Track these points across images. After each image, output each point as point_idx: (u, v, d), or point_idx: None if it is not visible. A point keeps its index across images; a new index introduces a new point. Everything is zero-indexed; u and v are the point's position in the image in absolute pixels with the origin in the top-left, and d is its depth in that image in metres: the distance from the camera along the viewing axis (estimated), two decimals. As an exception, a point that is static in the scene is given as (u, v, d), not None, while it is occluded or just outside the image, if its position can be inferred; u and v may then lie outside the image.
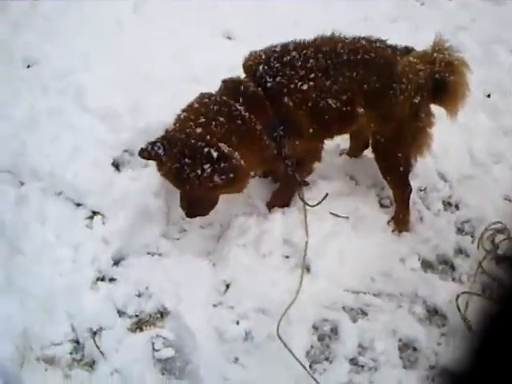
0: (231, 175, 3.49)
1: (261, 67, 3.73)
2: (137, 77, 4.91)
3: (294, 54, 3.73)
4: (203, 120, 3.55)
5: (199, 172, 3.45)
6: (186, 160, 3.47)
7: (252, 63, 3.80)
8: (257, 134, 3.66)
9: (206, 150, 3.44)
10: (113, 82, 4.90)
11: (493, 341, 1.59)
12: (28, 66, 5.18)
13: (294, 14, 5.79)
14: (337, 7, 6.00)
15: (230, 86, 3.75)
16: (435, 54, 3.72)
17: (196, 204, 3.74)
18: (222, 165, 3.44)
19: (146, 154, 3.55)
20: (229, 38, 5.70)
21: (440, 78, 3.73)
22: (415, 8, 6.31)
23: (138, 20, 5.75)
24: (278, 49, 3.80)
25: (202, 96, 3.72)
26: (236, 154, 3.50)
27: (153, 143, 3.53)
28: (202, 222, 4.14)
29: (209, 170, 3.44)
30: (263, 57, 3.78)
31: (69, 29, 5.44)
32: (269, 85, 3.69)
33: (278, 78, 3.68)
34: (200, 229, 4.13)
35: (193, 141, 3.48)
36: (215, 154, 3.42)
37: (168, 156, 3.52)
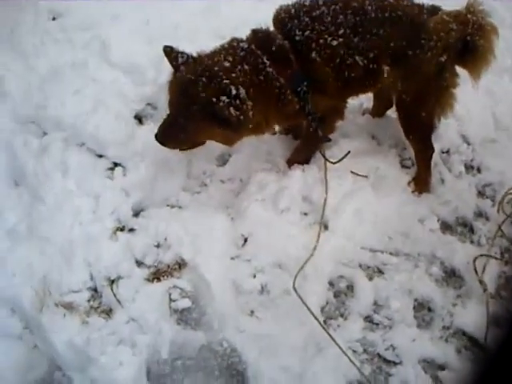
0: (242, 118, 3.46)
1: (290, 21, 3.69)
2: (163, 31, 4.89)
3: (323, 9, 3.69)
4: (231, 61, 3.53)
5: (217, 102, 3.41)
6: (204, 79, 3.45)
7: (282, 16, 3.76)
8: (279, 88, 3.62)
9: (226, 81, 3.42)
10: (138, 36, 4.89)
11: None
12: (53, 18, 5.17)
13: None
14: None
15: (259, 37, 3.70)
16: (469, 16, 3.66)
17: (176, 130, 3.65)
18: (238, 102, 3.41)
19: (170, 50, 3.61)
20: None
21: (470, 41, 3.68)
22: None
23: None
24: (307, 3, 3.76)
25: (233, 40, 3.70)
26: (250, 105, 3.47)
27: (182, 52, 3.59)
28: (222, 176, 4.17)
29: (227, 101, 3.40)
30: (292, 11, 3.74)
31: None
32: (297, 38, 3.64)
33: (307, 33, 3.64)
34: (220, 183, 4.15)
35: (217, 69, 3.47)
36: (234, 91, 3.40)
37: (187, 68, 3.55)
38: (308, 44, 3.65)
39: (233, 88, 3.40)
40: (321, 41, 3.64)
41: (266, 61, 3.58)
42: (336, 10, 3.69)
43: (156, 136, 3.70)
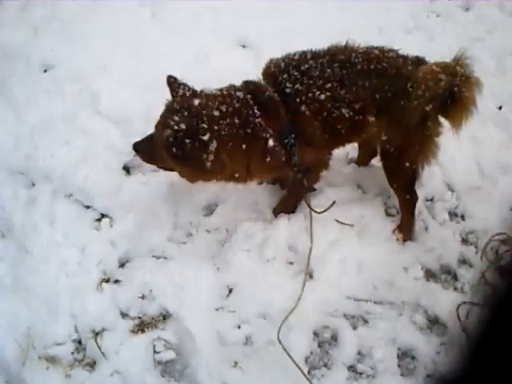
0: (184, 156, 3.51)
1: (280, 74, 3.76)
2: (151, 82, 4.92)
3: (311, 62, 3.75)
4: (223, 111, 3.60)
5: (173, 124, 3.49)
6: (182, 112, 3.54)
7: (272, 70, 3.83)
8: (267, 139, 3.67)
9: (202, 126, 3.50)
10: (128, 87, 4.97)
11: (486, 348, 1.61)
12: (45, 71, 5.25)
13: (310, 21, 5.81)
14: (352, 15, 6.00)
15: (250, 88, 3.76)
16: (457, 68, 3.73)
17: (148, 146, 3.77)
18: (189, 140, 3.47)
19: (173, 81, 3.71)
20: (243, 46, 5.73)
21: (457, 92, 3.74)
22: (431, 19, 6.29)
23: (156, 26, 5.80)
24: (296, 57, 3.82)
25: (231, 88, 3.77)
26: (210, 151, 3.53)
27: (184, 83, 3.70)
28: (208, 226, 4.20)
29: (180, 130, 3.48)
30: (282, 64, 3.81)
31: (86, 34, 5.50)
32: (288, 91, 3.70)
33: (296, 86, 3.70)
34: (206, 233, 4.18)
35: (203, 112, 3.55)
36: (206, 137, 3.49)
37: (180, 98, 3.64)
38: (297, 97, 3.70)
39: (207, 134, 3.48)
40: (309, 94, 3.69)
41: (257, 112, 3.64)
42: (323, 63, 3.75)
43: (134, 145, 3.86)
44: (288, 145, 3.73)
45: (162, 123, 3.61)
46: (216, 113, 3.56)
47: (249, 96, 3.69)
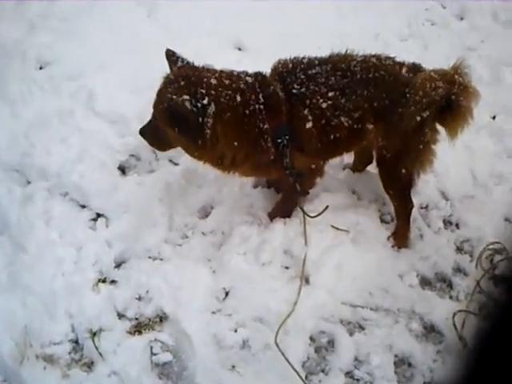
0: (196, 122, 3.53)
1: (288, 75, 3.78)
2: (147, 82, 4.89)
3: (318, 69, 3.78)
4: (225, 83, 3.63)
5: (177, 96, 3.51)
6: (181, 82, 3.57)
7: (280, 70, 3.84)
8: (260, 132, 3.69)
9: (203, 91, 3.53)
10: (124, 86, 4.96)
11: (484, 358, 1.62)
12: (40, 68, 5.22)
13: (307, 25, 5.83)
14: (349, 20, 6.05)
15: (259, 79, 3.78)
16: (456, 76, 3.75)
17: (153, 128, 3.80)
18: (200, 107, 3.50)
19: (171, 54, 3.78)
20: (239, 48, 5.73)
21: (454, 100, 3.76)
22: (426, 27, 6.32)
23: (152, 25, 5.78)
24: (305, 61, 3.85)
25: (242, 72, 3.80)
26: (212, 122, 3.55)
27: (183, 57, 3.76)
28: (204, 229, 4.19)
29: (187, 98, 3.49)
30: (290, 65, 3.83)
31: (83, 32, 5.49)
32: (294, 91, 3.73)
33: (303, 89, 3.73)
34: (202, 236, 4.17)
35: (205, 80, 3.58)
36: (205, 101, 3.51)
37: (177, 71, 3.68)
38: (303, 100, 3.72)
39: (205, 98, 3.51)
40: (314, 100, 3.72)
41: (261, 99, 3.66)
42: (328, 71, 3.78)
43: (139, 130, 3.89)
44: (280, 145, 3.73)
45: (159, 95, 3.65)
46: (215, 81, 3.59)
47: (257, 84, 3.71)
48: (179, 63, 3.72)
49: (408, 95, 3.74)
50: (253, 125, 3.67)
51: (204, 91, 3.53)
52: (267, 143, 3.72)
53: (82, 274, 3.82)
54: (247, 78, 3.72)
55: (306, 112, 3.72)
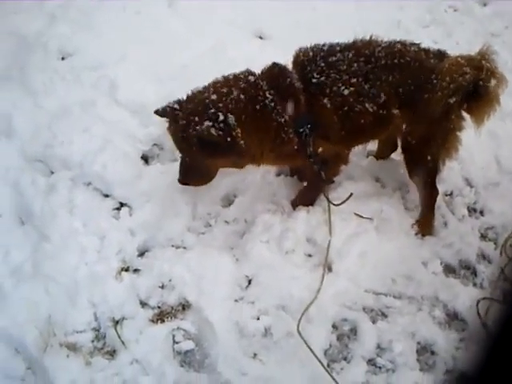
0: (233, 147, 3.58)
1: (308, 64, 3.78)
2: (169, 72, 4.96)
3: (339, 55, 3.78)
4: (225, 90, 3.66)
5: (199, 128, 3.56)
6: (193, 118, 3.59)
7: (301, 58, 3.84)
8: (280, 124, 3.70)
9: (212, 110, 3.56)
10: (146, 76, 4.95)
11: (506, 344, 1.61)
12: (62, 58, 5.22)
13: (327, 13, 5.81)
14: (370, 8, 5.99)
15: (273, 71, 3.81)
16: (483, 62, 3.72)
17: (192, 169, 3.84)
18: (222, 125, 3.53)
19: (160, 111, 3.77)
20: (261, 37, 5.72)
21: (482, 86, 3.73)
22: (448, 14, 6.28)
23: (173, 15, 5.77)
24: (325, 48, 3.85)
25: (243, 72, 3.82)
26: (239, 130, 3.58)
27: (170, 103, 3.73)
28: (227, 217, 4.19)
29: (209, 124, 3.53)
30: (311, 54, 3.83)
31: (104, 23, 5.49)
32: (314, 81, 3.73)
33: (322, 78, 3.73)
34: (225, 224, 4.18)
35: (206, 102, 3.61)
36: (221, 117, 3.53)
37: (180, 113, 3.68)
38: (320, 89, 3.73)
39: (220, 114, 3.54)
40: (334, 88, 3.72)
41: (268, 95, 3.67)
42: (350, 57, 3.77)
43: (178, 180, 3.90)
44: (303, 134, 3.72)
45: (179, 136, 3.71)
46: (214, 96, 3.63)
47: (265, 82, 3.73)
48: (174, 106, 3.73)
49: (435, 81, 3.72)
50: (269, 118, 3.69)
51: (214, 109, 3.57)
52: (289, 134, 3.73)
53: (105, 262, 3.83)
54: (249, 77, 3.75)
55: (325, 100, 3.71)
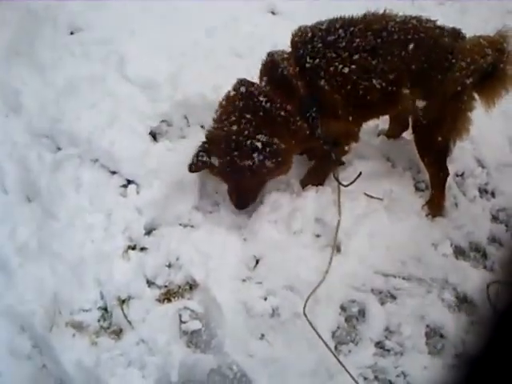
0: (279, 158, 3.67)
1: (303, 46, 3.75)
2: (180, 48, 4.90)
3: (340, 32, 3.73)
4: (234, 118, 3.70)
5: (250, 162, 3.63)
6: (235, 153, 3.65)
7: (296, 40, 3.81)
8: (287, 116, 3.71)
9: (248, 142, 3.62)
10: (156, 52, 4.88)
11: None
12: (71, 33, 5.16)
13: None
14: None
15: (268, 67, 3.83)
16: (505, 45, 3.66)
17: (247, 193, 3.91)
18: (268, 149, 3.61)
19: (194, 167, 3.83)
20: (273, 12, 5.65)
21: (501, 68, 3.69)
22: (463, -10, 6.18)
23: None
24: (324, 26, 3.78)
25: (234, 87, 3.84)
26: (274, 139, 3.64)
27: (196, 154, 3.78)
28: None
29: (259, 157, 3.62)
30: (309, 34, 3.78)
31: (114, -1, 5.42)
32: (307, 65, 3.71)
33: (316, 61, 3.69)
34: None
35: (233, 137, 3.65)
36: (259, 144, 3.60)
37: (215, 155, 3.74)
38: (317, 72, 3.71)
39: (254, 141, 3.65)
40: (331, 69, 3.69)
41: (266, 95, 3.71)
42: (354, 32, 3.71)
43: (238, 207, 4.01)
44: (310, 118, 3.70)
45: (244, 162, 3.72)
46: (225, 116, 3.77)
47: (263, 74, 3.84)
48: (205, 158, 3.81)
49: (453, 60, 3.66)
50: (278, 117, 3.72)
51: (247, 139, 3.67)
52: (296, 123, 3.74)
53: (111, 241, 3.80)
54: (241, 89, 3.79)
55: (323, 82, 3.70)
